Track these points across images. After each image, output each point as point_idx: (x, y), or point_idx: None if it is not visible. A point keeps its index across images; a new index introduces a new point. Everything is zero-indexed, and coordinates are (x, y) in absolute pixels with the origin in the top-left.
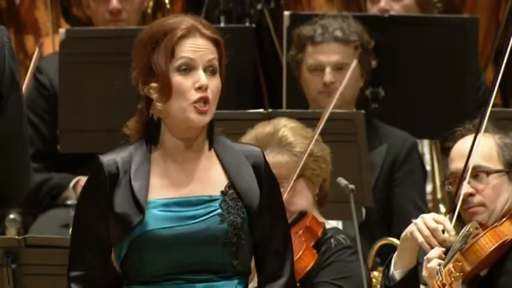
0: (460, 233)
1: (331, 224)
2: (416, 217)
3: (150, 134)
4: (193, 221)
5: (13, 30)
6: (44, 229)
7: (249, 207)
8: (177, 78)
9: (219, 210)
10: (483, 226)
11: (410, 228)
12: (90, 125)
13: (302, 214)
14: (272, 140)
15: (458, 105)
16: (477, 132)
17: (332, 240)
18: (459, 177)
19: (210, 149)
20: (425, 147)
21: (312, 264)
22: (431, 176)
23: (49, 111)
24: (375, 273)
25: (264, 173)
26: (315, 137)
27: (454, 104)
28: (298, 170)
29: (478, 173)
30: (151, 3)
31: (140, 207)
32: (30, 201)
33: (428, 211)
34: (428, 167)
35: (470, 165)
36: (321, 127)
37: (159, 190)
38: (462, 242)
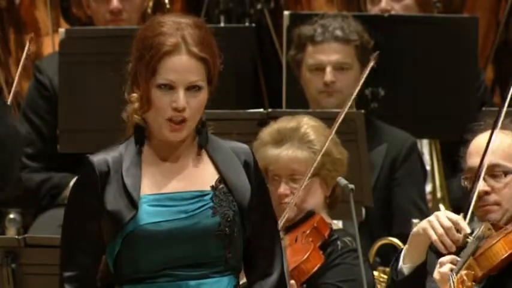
0: (473, 235)
1: (338, 225)
2: (416, 217)
3: (137, 135)
4: (185, 215)
5: (13, 30)
6: (43, 229)
7: (240, 202)
8: (156, 94)
9: (211, 204)
10: (495, 226)
11: (423, 224)
12: (90, 124)
13: (310, 213)
14: (294, 134)
15: (458, 104)
16: (493, 130)
17: (339, 242)
18: (475, 174)
19: (200, 148)
20: (424, 147)
21: (318, 265)
22: (431, 176)
23: (49, 111)
24: (375, 272)
25: (253, 171)
26: (331, 136)
27: (453, 104)
28: (313, 167)
29: (495, 171)
30: (151, 3)
31: (133, 202)
32: (30, 201)
33: (428, 211)
34: (428, 167)
35: (485, 163)
36: (336, 126)
37: (150, 186)
38: (475, 244)
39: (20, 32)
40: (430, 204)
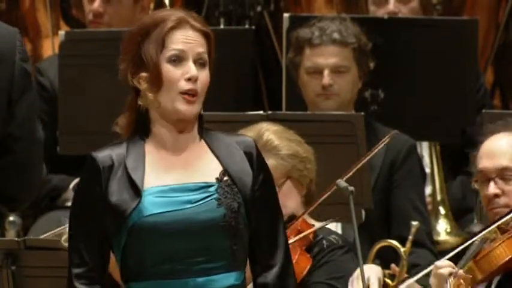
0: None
1: (320, 223)
2: (415, 219)
3: (140, 126)
4: (191, 205)
5: None
6: (43, 231)
7: (243, 190)
8: (167, 68)
9: (216, 195)
10: (502, 230)
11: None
12: (89, 126)
13: (291, 218)
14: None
15: (458, 107)
16: None
17: (324, 241)
18: (487, 177)
19: (200, 139)
20: (424, 149)
21: (307, 268)
22: (430, 178)
23: (49, 113)
24: None
25: (256, 161)
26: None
27: (453, 106)
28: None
29: (506, 174)
30: (151, 4)
31: (137, 191)
32: (29, 203)
33: (427, 213)
34: (427, 170)
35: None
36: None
37: (155, 178)
38: (478, 247)
39: (20, 34)
40: (430, 207)
